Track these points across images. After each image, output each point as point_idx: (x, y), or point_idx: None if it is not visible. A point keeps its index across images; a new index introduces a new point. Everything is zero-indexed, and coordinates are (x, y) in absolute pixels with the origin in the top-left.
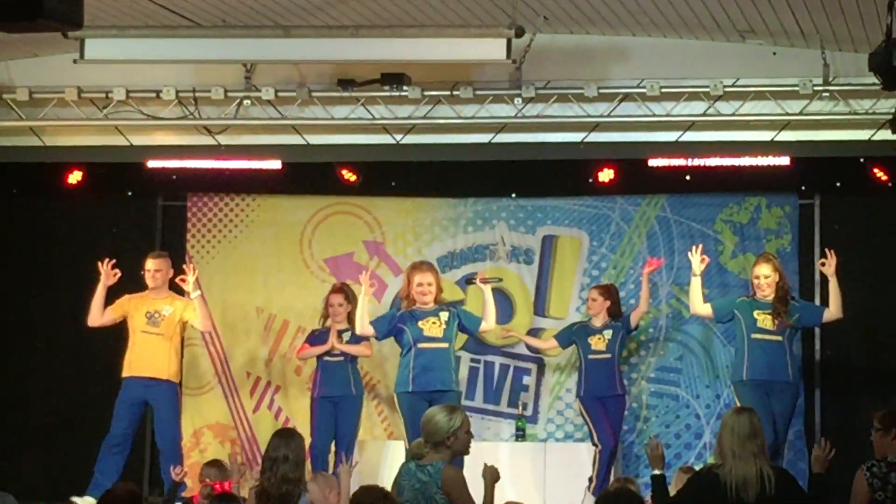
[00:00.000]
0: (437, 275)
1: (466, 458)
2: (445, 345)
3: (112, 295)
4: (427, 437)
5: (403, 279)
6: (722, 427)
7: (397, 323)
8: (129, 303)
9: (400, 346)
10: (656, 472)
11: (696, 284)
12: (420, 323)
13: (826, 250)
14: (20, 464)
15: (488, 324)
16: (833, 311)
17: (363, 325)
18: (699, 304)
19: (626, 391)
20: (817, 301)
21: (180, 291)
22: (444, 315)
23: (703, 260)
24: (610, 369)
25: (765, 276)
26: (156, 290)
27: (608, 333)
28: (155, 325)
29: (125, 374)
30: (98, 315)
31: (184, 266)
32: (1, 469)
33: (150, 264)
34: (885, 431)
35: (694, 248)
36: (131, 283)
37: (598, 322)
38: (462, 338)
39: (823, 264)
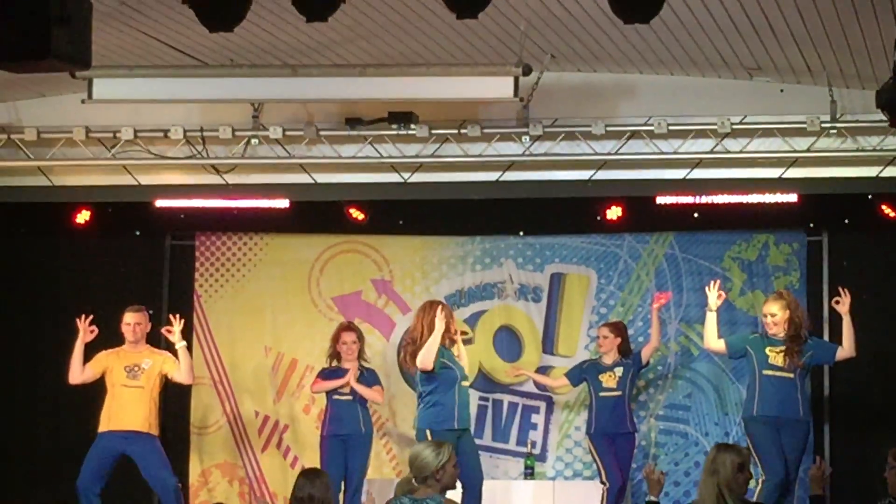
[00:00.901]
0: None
1: None
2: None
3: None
4: (416, 473)
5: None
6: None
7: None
8: (108, 358)
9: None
10: (652, 498)
11: (711, 320)
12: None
13: (840, 288)
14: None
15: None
16: (846, 349)
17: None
18: (713, 340)
19: (636, 429)
20: (826, 337)
21: (156, 344)
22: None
23: (720, 296)
24: (620, 407)
25: (772, 315)
26: (134, 343)
27: (619, 371)
28: (135, 379)
29: (102, 428)
30: (78, 372)
31: (169, 316)
32: None
33: (130, 318)
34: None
35: (712, 283)
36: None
37: (608, 360)
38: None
39: (838, 302)
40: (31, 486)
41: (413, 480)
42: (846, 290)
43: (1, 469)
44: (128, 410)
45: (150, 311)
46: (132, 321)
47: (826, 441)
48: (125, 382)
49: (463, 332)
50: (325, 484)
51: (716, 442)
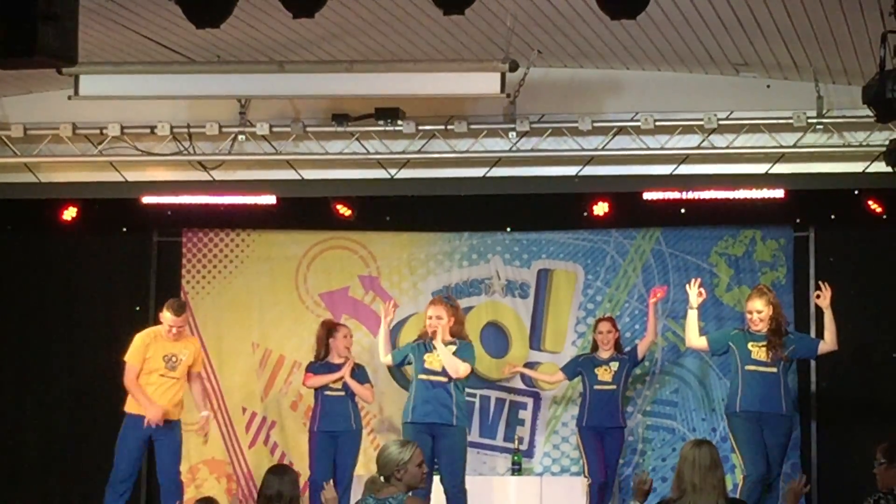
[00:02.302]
0: (448, 308)
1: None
2: (445, 379)
3: (111, 328)
4: (380, 470)
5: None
6: (682, 460)
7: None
8: (147, 345)
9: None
10: (635, 503)
11: (692, 318)
12: (425, 356)
13: (820, 283)
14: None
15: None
16: (828, 342)
17: (384, 354)
18: (695, 338)
19: (626, 424)
20: (813, 333)
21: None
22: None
23: (700, 294)
24: (614, 401)
25: (757, 312)
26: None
27: (615, 365)
28: (173, 370)
29: (130, 409)
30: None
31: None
32: None
33: (171, 320)
34: (890, 463)
35: (693, 281)
36: (127, 318)
37: (605, 354)
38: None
39: (819, 296)
40: (18, 486)
41: (378, 478)
42: (826, 283)
43: None
44: (163, 399)
45: (138, 308)
46: (174, 325)
47: (813, 436)
48: (163, 372)
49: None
50: (293, 480)
51: (697, 438)
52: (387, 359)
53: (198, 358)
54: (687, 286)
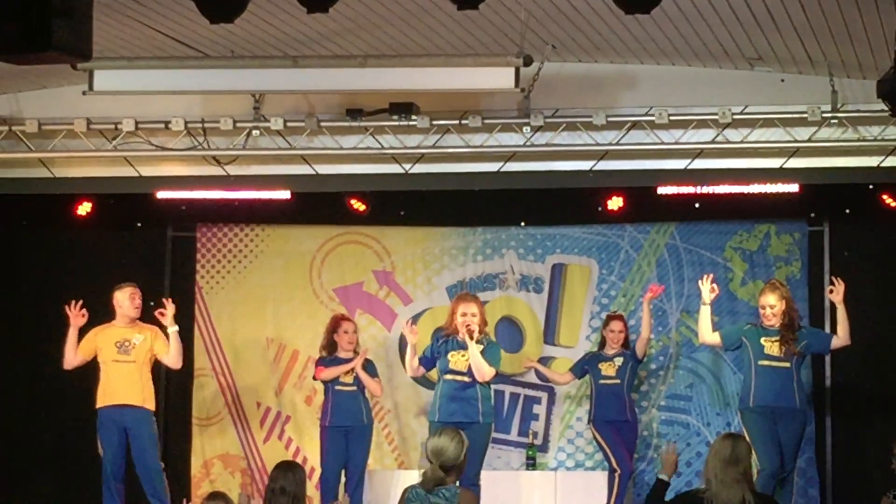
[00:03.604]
0: (480, 306)
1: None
2: (469, 379)
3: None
4: (434, 461)
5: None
6: (709, 452)
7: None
8: (97, 336)
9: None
10: (663, 476)
11: (705, 313)
12: (450, 355)
13: (833, 278)
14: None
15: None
16: (842, 337)
17: (413, 369)
18: (708, 333)
19: (636, 418)
20: (827, 328)
21: (190, 319)
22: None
23: (712, 289)
24: (620, 396)
25: (770, 307)
26: (126, 319)
27: (619, 361)
28: (126, 354)
29: (99, 404)
30: (71, 356)
31: (163, 299)
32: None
33: (121, 296)
34: None
35: (704, 276)
36: (143, 313)
37: (611, 351)
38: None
39: (832, 291)
40: (33, 476)
41: (437, 470)
42: (839, 279)
43: (3, 459)
44: (121, 385)
45: (152, 303)
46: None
47: (827, 431)
48: (116, 358)
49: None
50: (299, 477)
51: (723, 432)
52: (419, 371)
53: (160, 347)
54: (699, 282)
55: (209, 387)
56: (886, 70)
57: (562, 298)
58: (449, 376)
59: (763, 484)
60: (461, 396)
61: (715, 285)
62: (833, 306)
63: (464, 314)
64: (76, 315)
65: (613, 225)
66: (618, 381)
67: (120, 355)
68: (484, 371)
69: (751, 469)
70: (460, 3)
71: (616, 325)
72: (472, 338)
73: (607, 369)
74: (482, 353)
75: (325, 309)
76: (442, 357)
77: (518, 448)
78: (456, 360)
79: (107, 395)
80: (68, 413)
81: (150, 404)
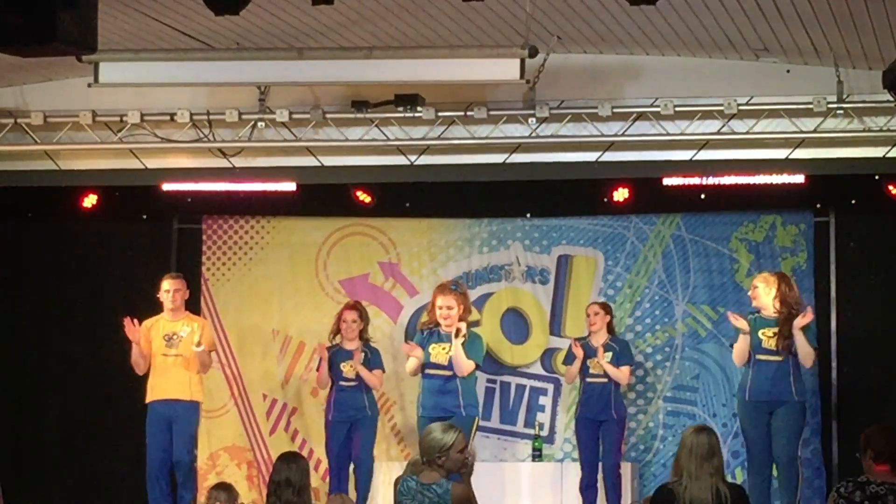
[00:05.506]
0: (458, 299)
1: (483, 479)
2: (449, 373)
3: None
4: (421, 454)
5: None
6: (681, 446)
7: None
8: (149, 331)
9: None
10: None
11: (742, 341)
12: (430, 347)
13: (808, 308)
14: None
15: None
16: (806, 363)
17: (465, 367)
18: (741, 360)
19: (623, 415)
20: (833, 320)
21: (196, 311)
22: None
23: (736, 318)
24: (605, 394)
25: (754, 288)
26: (173, 311)
27: (608, 356)
28: (173, 347)
29: (149, 398)
30: (143, 364)
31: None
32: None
33: (167, 284)
34: (862, 453)
35: (729, 315)
36: (148, 306)
37: (596, 341)
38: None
39: (803, 316)
40: (39, 475)
41: (421, 461)
42: (811, 310)
43: (8, 455)
44: (169, 379)
45: (158, 295)
46: (170, 288)
47: (834, 425)
48: (164, 352)
49: (458, 330)
50: (303, 468)
51: (699, 425)
52: (418, 371)
53: (205, 334)
54: (729, 320)
55: (215, 379)
56: (892, 60)
57: (567, 290)
58: (430, 370)
59: (752, 483)
60: (442, 389)
61: (739, 314)
62: (840, 296)
63: (440, 307)
64: (134, 331)
65: (619, 216)
66: (605, 379)
67: (167, 349)
68: (463, 366)
69: (722, 461)
70: None
71: (591, 310)
72: (457, 336)
73: (595, 367)
74: (463, 345)
75: (331, 301)
76: (424, 350)
77: (524, 439)
78: (437, 353)
79: (155, 389)
80: (73, 406)
81: (199, 395)
